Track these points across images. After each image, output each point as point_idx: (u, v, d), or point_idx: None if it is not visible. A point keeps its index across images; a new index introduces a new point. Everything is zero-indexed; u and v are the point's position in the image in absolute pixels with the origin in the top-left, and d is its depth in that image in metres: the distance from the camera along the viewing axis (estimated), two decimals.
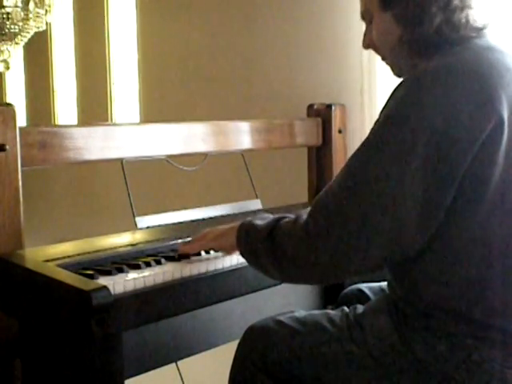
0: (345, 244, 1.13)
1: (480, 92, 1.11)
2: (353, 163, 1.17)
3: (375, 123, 1.18)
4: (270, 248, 1.24)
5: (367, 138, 1.17)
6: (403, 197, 1.10)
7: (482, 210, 1.12)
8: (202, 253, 1.52)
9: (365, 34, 1.37)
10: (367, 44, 1.37)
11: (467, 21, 1.21)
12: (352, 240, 1.13)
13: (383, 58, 1.36)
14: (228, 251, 1.46)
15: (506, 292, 1.15)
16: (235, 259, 1.52)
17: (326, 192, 1.19)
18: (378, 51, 1.36)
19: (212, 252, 1.53)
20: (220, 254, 1.51)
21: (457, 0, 1.20)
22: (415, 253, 1.16)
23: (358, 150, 1.17)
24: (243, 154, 2.04)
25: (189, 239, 1.56)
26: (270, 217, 1.32)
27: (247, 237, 1.31)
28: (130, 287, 1.31)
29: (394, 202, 1.10)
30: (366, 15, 1.34)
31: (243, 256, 1.35)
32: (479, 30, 1.22)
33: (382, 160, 1.12)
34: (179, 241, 1.61)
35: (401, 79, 1.21)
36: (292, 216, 1.26)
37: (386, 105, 1.18)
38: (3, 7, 3.35)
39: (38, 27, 3.54)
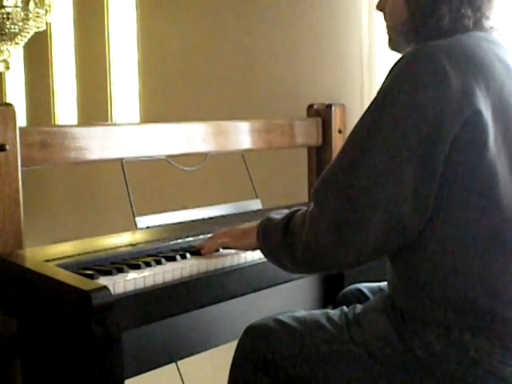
0: (345, 220, 1.15)
1: (470, 73, 1.13)
2: (350, 140, 1.21)
3: (373, 99, 1.20)
4: (284, 240, 1.27)
5: (363, 117, 1.20)
6: (397, 170, 1.12)
7: (475, 188, 1.13)
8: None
9: None
10: (381, 7, 1.39)
11: (475, 23, 1.25)
12: (351, 216, 1.15)
13: (387, 26, 1.39)
14: (248, 250, 1.52)
15: (506, 275, 1.16)
16: (235, 259, 1.52)
17: (327, 170, 1.23)
18: (385, 18, 1.39)
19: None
20: (227, 251, 1.55)
21: (467, 5, 1.23)
22: (414, 237, 1.17)
23: (357, 126, 1.21)
24: (243, 154, 2.04)
25: (209, 235, 1.59)
26: (287, 211, 1.35)
27: (265, 231, 1.35)
28: (130, 287, 1.31)
29: (389, 176, 1.13)
30: None
31: (262, 251, 1.38)
32: (484, 29, 1.26)
33: (376, 136, 1.15)
34: (179, 241, 1.61)
35: (393, 51, 1.32)
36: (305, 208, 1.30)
37: (384, 81, 1.21)
38: (3, 7, 3.35)
39: (38, 27, 3.54)
